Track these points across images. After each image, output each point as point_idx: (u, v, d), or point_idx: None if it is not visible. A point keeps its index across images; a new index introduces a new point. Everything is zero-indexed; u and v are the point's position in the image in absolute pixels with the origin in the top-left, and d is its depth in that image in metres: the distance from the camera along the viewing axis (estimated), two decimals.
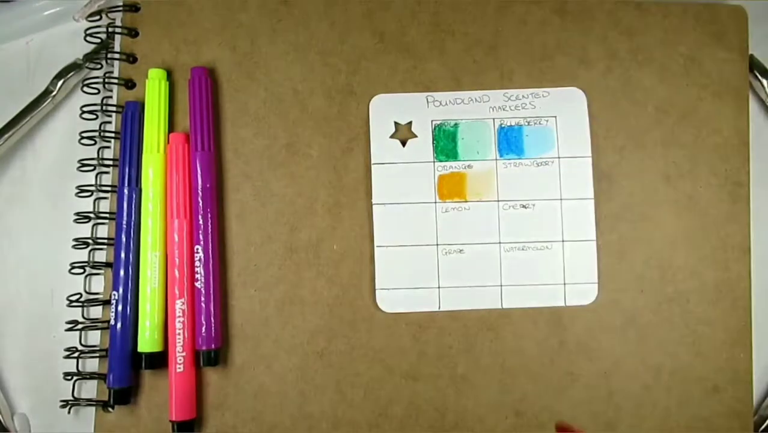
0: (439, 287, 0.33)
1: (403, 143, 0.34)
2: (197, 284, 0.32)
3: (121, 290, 0.32)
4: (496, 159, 0.34)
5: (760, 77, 0.35)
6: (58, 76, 0.34)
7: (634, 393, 0.33)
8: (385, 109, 0.34)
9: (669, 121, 0.34)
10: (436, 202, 0.34)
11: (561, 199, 0.34)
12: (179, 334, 0.31)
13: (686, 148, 0.34)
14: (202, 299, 0.32)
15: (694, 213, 0.34)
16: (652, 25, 0.34)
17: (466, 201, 0.34)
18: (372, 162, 0.34)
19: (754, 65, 0.35)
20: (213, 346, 0.32)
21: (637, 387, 0.33)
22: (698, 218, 0.34)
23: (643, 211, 0.34)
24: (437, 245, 0.33)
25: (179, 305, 0.32)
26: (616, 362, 0.33)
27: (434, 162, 0.34)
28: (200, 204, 0.32)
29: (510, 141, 0.34)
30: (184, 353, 0.31)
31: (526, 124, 0.34)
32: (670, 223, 0.34)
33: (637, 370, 0.33)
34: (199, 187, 0.32)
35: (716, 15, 0.35)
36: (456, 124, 0.34)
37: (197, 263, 0.32)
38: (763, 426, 0.34)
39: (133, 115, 0.33)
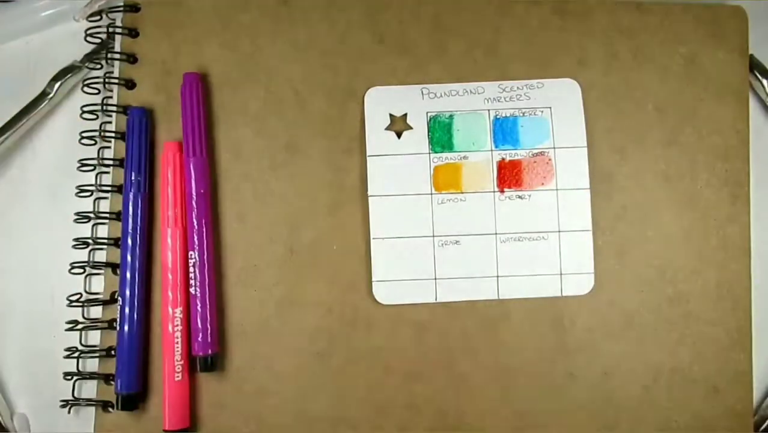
0: (435, 279, 0.33)
1: (399, 135, 0.34)
2: (192, 290, 0.32)
3: (127, 293, 0.32)
4: (492, 150, 0.34)
5: (760, 77, 0.35)
6: (55, 79, 0.34)
7: (633, 393, 0.33)
8: (380, 101, 0.34)
9: (669, 121, 0.34)
10: (431, 194, 0.34)
11: (557, 189, 0.34)
12: (177, 341, 0.31)
13: (686, 148, 0.34)
14: (198, 304, 0.32)
15: (694, 213, 0.34)
16: (652, 25, 0.34)
17: (461, 192, 0.34)
18: (367, 154, 0.33)
19: (754, 65, 0.35)
20: (210, 351, 0.32)
21: (637, 387, 0.33)
22: (698, 218, 0.34)
23: (643, 211, 0.34)
24: (433, 236, 0.33)
25: (176, 313, 0.32)
26: (616, 362, 0.33)
27: (430, 153, 0.34)
28: (194, 210, 0.32)
29: (505, 132, 0.34)
30: (182, 361, 0.31)
31: (521, 114, 0.34)
32: (670, 223, 0.34)
33: (637, 370, 0.33)
34: (193, 192, 0.32)
35: (716, 15, 0.35)
36: (451, 116, 0.34)
37: (191, 269, 0.32)
38: (763, 426, 0.34)
39: (139, 120, 0.33)
